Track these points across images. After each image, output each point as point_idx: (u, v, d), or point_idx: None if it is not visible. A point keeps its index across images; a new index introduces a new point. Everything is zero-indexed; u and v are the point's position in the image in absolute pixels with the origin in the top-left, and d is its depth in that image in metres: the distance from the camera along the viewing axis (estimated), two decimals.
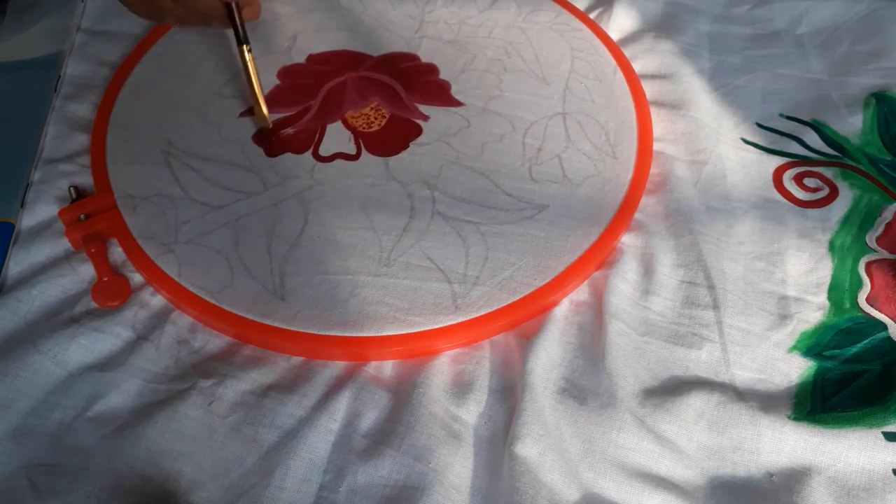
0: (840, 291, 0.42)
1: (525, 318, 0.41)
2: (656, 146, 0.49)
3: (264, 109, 0.48)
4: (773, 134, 0.50)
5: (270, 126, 0.48)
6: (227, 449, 0.36)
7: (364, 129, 0.49)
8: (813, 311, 0.42)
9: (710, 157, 0.48)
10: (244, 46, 0.48)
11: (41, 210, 0.44)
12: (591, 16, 0.57)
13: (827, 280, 0.43)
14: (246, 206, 0.44)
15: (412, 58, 0.53)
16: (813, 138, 0.50)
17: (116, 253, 0.43)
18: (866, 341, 0.40)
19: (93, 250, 0.42)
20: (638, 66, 0.54)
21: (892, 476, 0.36)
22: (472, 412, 0.37)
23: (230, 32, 0.49)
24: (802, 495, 0.35)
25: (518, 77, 0.52)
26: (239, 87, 0.51)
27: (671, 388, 0.38)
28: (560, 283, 0.41)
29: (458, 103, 0.50)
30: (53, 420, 0.36)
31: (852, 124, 0.51)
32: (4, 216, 0.43)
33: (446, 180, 0.46)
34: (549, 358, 0.39)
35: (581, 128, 0.49)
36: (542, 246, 0.43)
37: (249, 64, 0.48)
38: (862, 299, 0.42)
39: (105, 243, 0.43)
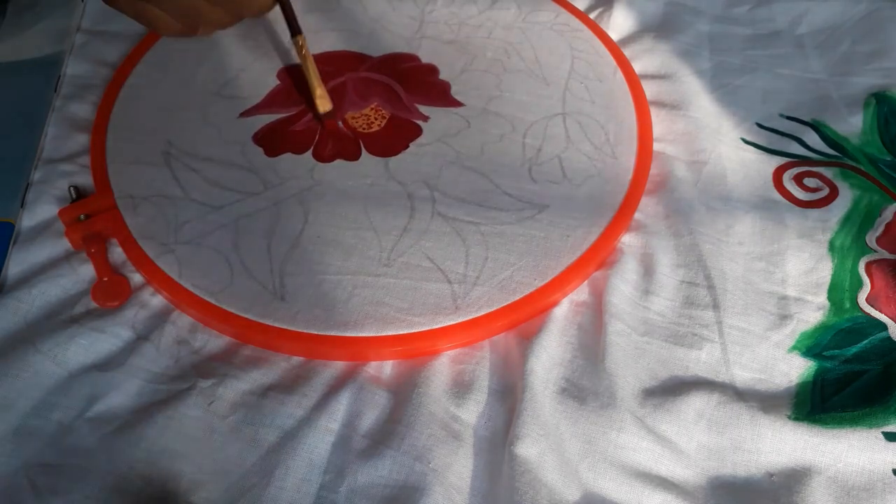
0: (840, 291, 0.42)
1: (525, 318, 0.41)
2: (656, 146, 0.49)
3: (325, 95, 0.48)
4: (773, 134, 0.50)
5: (331, 107, 0.49)
6: (227, 449, 0.36)
7: (364, 129, 0.49)
8: (813, 312, 0.42)
9: (710, 157, 0.48)
10: (300, 36, 0.49)
11: (41, 210, 0.44)
12: (591, 16, 0.57)
13: (827, 280, 0.43)
14: (246, 206, 0.44)
15: (412, 58, 0.53)
16: (813, 138, 0.50)
17: (116, 253, 0.43)
18: (866, 341, 0.40)
19: (93, 250, 0.42)
20: (638, 67, 0.54)
21: (892, 476, 0.36)
22: (472, 412, 0.37)
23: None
24: (802, 495, 0.35)
25: (518, 77, 0.52)
26: (239, 87, 0.51)
27: (671, 388, 0.38)
28: (560, 283, 0.41)
29: (457, 104, 0.50)
30: (53, 420, 0.36)
31: (852, 124, 0.51)
32: (4, 216, 0.43)
33: (446, 181, 0.46)
34: (549, 358, 0.39)
35: (581, 128, 0.49)
36: (542, 246, 0.43)
37: (306, 52, 0.49)
38: (862, 299, 0.42)
39: (105, 243, 0.43)
